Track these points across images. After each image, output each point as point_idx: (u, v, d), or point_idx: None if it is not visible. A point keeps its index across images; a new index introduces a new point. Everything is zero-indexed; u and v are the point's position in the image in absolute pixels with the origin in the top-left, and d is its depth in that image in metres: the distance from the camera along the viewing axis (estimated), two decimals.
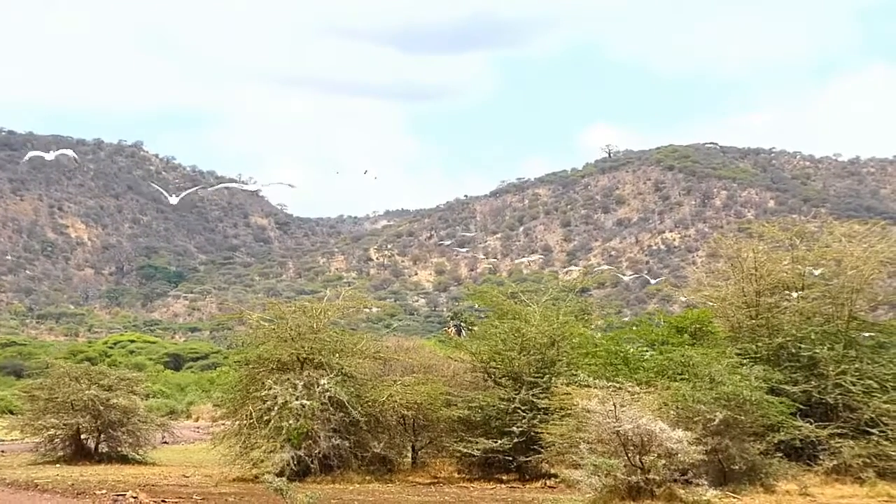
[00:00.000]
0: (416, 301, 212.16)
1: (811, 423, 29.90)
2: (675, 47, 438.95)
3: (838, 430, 29.93)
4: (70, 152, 49.71)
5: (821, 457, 29.67)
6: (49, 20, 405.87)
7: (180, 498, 26.80)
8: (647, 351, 32.94)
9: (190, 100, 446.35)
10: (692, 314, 35.92)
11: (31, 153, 65.59)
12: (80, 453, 39.93)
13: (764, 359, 31.91)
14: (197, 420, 69.42)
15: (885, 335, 33.23)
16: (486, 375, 34.23)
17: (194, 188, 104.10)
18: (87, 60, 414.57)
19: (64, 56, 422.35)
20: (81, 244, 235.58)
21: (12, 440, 46.61)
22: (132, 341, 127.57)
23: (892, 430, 29.72)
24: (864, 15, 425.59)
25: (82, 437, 40.44)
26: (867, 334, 32.81)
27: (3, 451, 45.14)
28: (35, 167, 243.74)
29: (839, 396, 30.75)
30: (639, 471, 23.74)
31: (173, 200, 61.28)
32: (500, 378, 33.59)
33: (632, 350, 34.00)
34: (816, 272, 33.81)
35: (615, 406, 23.98)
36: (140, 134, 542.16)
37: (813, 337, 31.93)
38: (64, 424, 39.71)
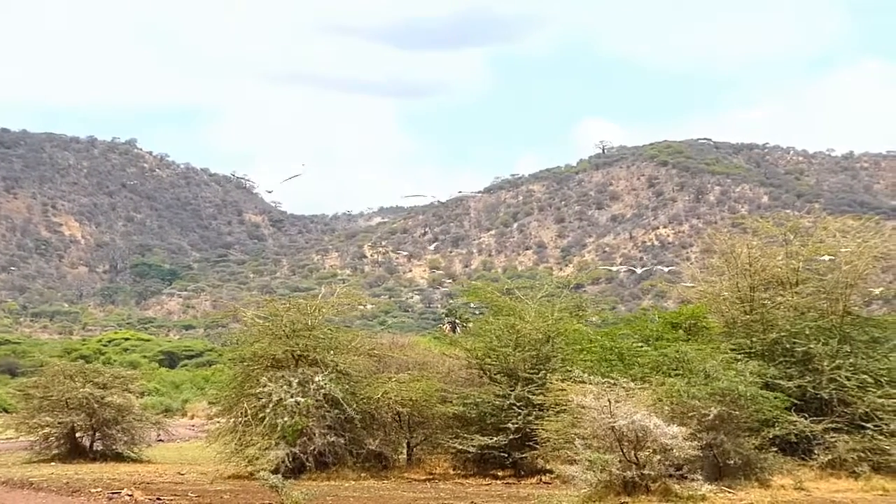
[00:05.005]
0: (411, 298, 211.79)
1: (806, 418, 29.91)
2: (668, 43, 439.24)
3: (833, 425, 29.98)
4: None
5: (816, 451, 29.71)
6: (42, 17, 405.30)
7: (176, 495, 26.78)
8: (641, 347, 32.90)
9: (183, 97, 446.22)
10: (687, 310, 35.91)
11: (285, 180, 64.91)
12: (75, 451, 39.89)
13: (758, 354, 31.89)
14: (192, 418, 69.43)
15: (879, 330, 33.24)
16: (481, 372, 34.24)
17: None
18: (81, 58, 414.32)
19: (57, 53, 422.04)
20: (75, 242, 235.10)
21: (7, 439, 46.50)
22: (126, 339, 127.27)
23: (886, 424, 29.79)
24: (857, 10, 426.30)
25: (77, 435, 40.41)
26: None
27: None
28: (28, 165, 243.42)
29: (834, 391, 30.76)
30: (634, 466, 23.76)
31: None
32: (495, 374, 33.60)
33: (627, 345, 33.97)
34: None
35: (610, 402, 23.99)
36: (133, 131, 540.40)
37: (807, 332, 31.91)
38: (59, 423, 39.68)
